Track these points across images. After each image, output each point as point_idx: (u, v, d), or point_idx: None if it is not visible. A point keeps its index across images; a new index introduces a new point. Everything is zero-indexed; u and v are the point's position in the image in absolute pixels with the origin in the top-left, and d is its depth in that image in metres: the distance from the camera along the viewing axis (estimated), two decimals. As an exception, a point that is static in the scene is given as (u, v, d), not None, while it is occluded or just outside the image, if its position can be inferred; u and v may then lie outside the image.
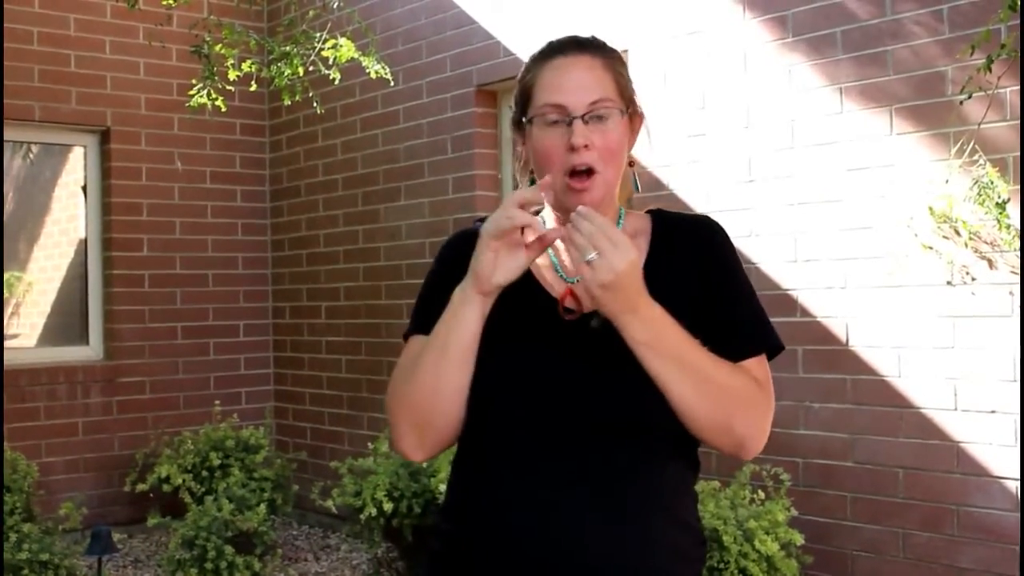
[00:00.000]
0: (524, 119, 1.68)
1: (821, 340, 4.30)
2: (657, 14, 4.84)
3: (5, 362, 5.70)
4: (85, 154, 6.63)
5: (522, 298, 1.65)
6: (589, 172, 1.62)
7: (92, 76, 6.43)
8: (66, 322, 6.73)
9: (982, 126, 3.77)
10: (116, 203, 6.53)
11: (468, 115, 5.73)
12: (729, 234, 1.74)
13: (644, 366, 1.54)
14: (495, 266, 1.56)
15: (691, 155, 4.69)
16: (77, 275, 6.67)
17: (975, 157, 3.76)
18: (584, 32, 1.75)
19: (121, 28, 6.45)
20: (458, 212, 5.67)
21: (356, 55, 4.79)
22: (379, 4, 6.22)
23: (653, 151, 4.67)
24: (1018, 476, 3.75)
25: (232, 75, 4.80)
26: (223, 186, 6.92)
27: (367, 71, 4.87)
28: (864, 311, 4.18)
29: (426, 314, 1.67)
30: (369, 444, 5.37)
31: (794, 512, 4.10)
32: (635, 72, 4.83)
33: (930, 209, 3.91)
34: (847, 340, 4.23)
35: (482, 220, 1.67)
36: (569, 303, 1.64)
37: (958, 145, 3.84)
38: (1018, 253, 3.72)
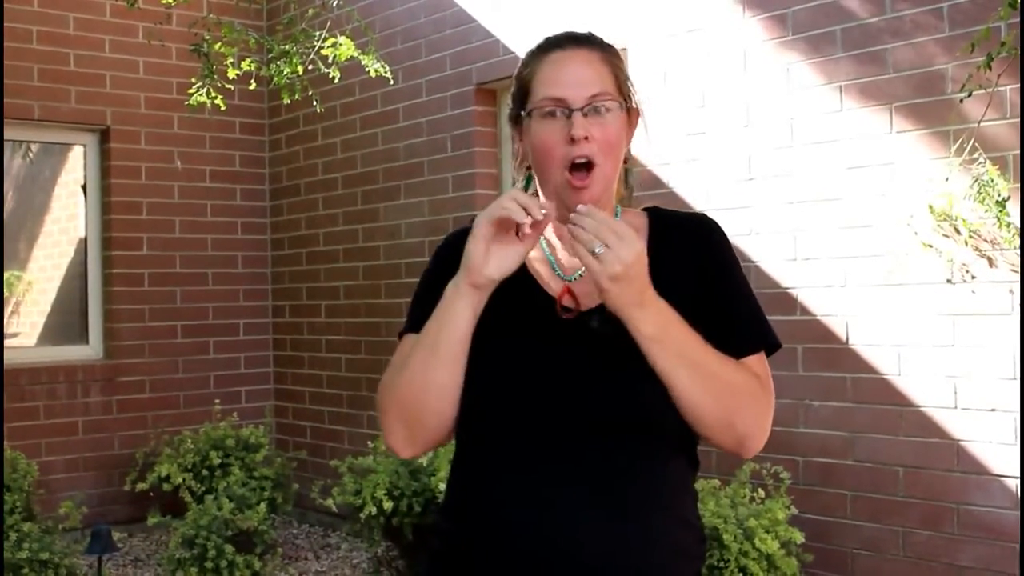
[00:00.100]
0: (522, 113, 1.68)
1: (821, 338, 4.29)
2: (656, 12, 4.84)
3: (5, 361, 5.70)
4: (85, 153, 6.63)
5: (519, 297, 1.64)
6: (589, 167, 1.62)
7: (91, 75, 6.43)
8: (66, 321, 6.72)
9: (982, 124, 3.77)
10: (116, 202, 6.53)
11: (467, 113, 5.73)
12: (728, 232, 1.74)
13: (650, 361, 1.53)
14: (487, 258, 1.56)
15: (691, 153, 4.68)
16: (77, 274, 6.67)
17: (975, 155, 3.76)
18: (583, 30, 1.75)
19: (120, 27, 6.45)
20: (458, 211, 5.67)
21: (355, 54, 4.78)
22: (378, 3, 6.21)
23: (653, 149, 4.68)
24: (1018, 474, 3.75)
25: (231, 74, 4.80)
26: (223, 185, 6.92)
27: (366, 70, 4.86)
28: (864, 309, 4.17)
29: (420, 312, 1.66)
30: (369, 443, 5.37)
31: (794, 510, 4.10)
32: (635, 70, 4.85)
33: (930, 207, 3.91)
34: (847, 338, 4.23)
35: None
36: (567, 302, 1.64)
37: (958, 143, 3.84)
38: (1018, 251, 3.72)
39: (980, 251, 3.85)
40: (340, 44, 4.75)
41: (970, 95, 3.66)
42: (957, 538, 3.93)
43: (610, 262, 1.49)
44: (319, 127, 6.66)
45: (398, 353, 1.68)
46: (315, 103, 5.07)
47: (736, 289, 1.68)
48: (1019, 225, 3.69)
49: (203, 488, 5.71)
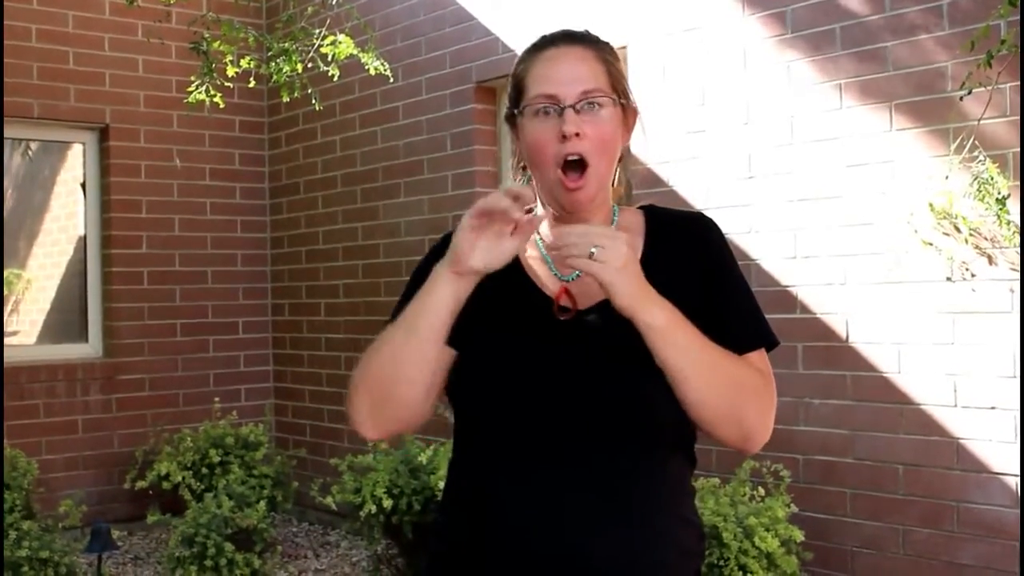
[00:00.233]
0: (516, 112, 1.67)
1: (821, 336, 4.29)
2: (656, 10, 4.83)
3: (5, 359, 5.70)
4: (84, 151, 6.63)
5: (517, 297, 1.64)
6: (582, 166, 1.61)
7: (91, 73, 6.42)
8: (65, 319, 6.72)
9: (982, 122, 3.76)
10: (115, 200, 6.53)
11: (467, 112, 5.73)
12: (728, 230, 1.74)
13: (658, 356, 1.52)
14: (473, 247, 1.54)
15: (690, 151, 4.68)
16: (76, 272, 6.67)
17: (975, 153, 3.76)
18: (580, 28, 1.74)
19: (120, 25, 6.44)
20: (457, 209, 5.66)
21: (355, 52, 4.78)
22: (378, 1, 6.21)
23: (652, 147, 4.68)
24: (1018, 472, 3.75)
25: (231, 72, 4.79)
26: (222, 183, 6.92)
27: (366, 68, 4.86)
28: (864, 307, 4.17)
29: (406, 304, 1.64)
30: (369, 441, 5.37)
31: (794, 508, 4.11)
32: (634, 68, 4.85)
33: (930, 205, 3.91)
34: (847, 336, 4.23)
35: None
36: (564, 301, 1.63)
37: (958, 141, 3.83)
38: (1018, 249, 3.72)
39: (980, 249, 3.85)
40: (339, 42, 4.74)
41: (970, 93, 3.66)
42: (957, 536, 3.93)
43: (611, 256, 1.48)
44: (318, 125, 6.65)
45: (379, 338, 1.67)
46: (314, 101, 5.06)
47: (735, 288, 1.67)
48: (1019, 223, 3.69)
49: (203, 486, 5.71)
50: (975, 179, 3.74)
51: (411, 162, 6.06)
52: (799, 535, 3.95)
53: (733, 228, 4.42)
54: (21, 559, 4.34)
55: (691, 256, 1.67)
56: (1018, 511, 3.74)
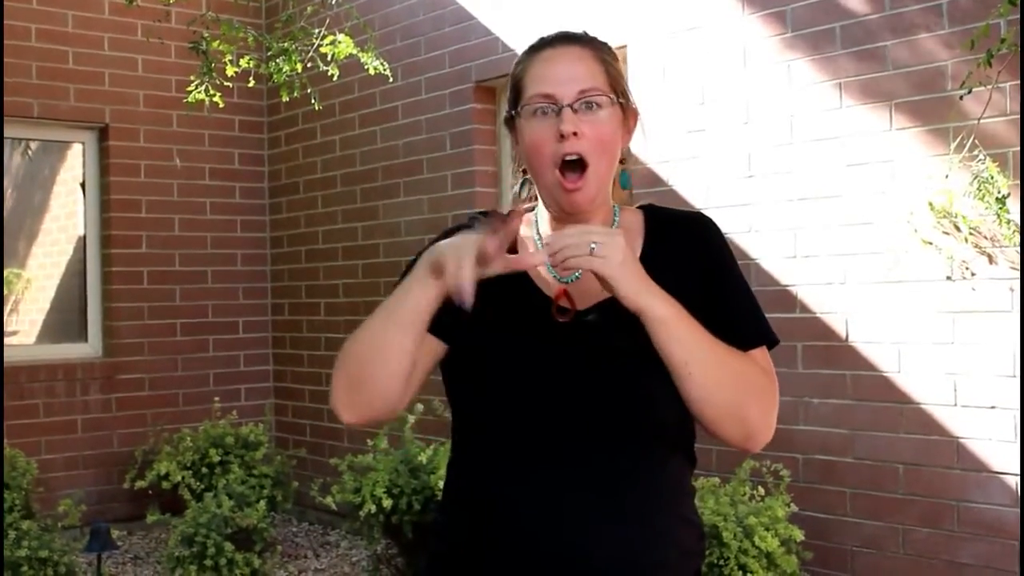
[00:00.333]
0: (514, 113, 1.66)
1: (821, 336, 4.29)
2: (656, 10, 4.83)
3: (5, 359, 5.70)
4: (84, 151, 6.62)
5: (516, 298, 1.63)
6: (581, 166, 1.59)
7: (90, 73, 6.42)
8: (65, 319, 6.72)
9: (982, 121, 3.76)
10: (115, 200, 6.53)
11: (467, 111, 5.72)
12: (727, 230, 1.74)
13: (663, 351, 1.51)
14: (461, 273, 1.48)
15: (690, 151, 4.68)
16: (76, 272, 6.67)
17: (975, 152, 3.76)
18: (582, 28, 1.74)
19: (119, 24, 6.44)
20: (457, 208, 5.66)
21: (354, 51, 4.78)
22: (377, 0, 6.20)
23: (652, 147, 4.67)
24: (1018, 472, 3.75)
25: (230, 71, 4.79)
26: (222, 183, 6.92)
27: (365, 67, 4.86)
28: (864, 307, 4.17)
29: None
30: (369, 441, 5.36)
31: (794, 508, 4.10)
32: (634, 68, 4.85)
33: (930, 204, 3.91)
34: (847, 336, 4.23)
35: (477, 215, 1.65)
36: (563, 303, 1.62)
37: (958, 140, 3.83)
38: (1018, 248, 3.72)
39: (980, 248, 3.84)
40: (339, 42, 4.74)
41: (970, 92, 3.66)
42: (957, 535, 3.92)
43: (610, 251, 1.48)
44: (318, 125, 6.65)
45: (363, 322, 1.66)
46: (314, 101, 5.06)
47: (735, 287, 1.67)
48: (1019, 222, 3.69)
49: (202, 486, 5.70)
50: (975, 178, 3.73)
51: (410, 162, 6.06)
52: (799, 535, 3.95)
53: (733, 227, 4.42)
54: (20, 559, 4.34)
55: (691, 255, 1.66)
56: (1018, 510, 3.74)
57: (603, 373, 1.55)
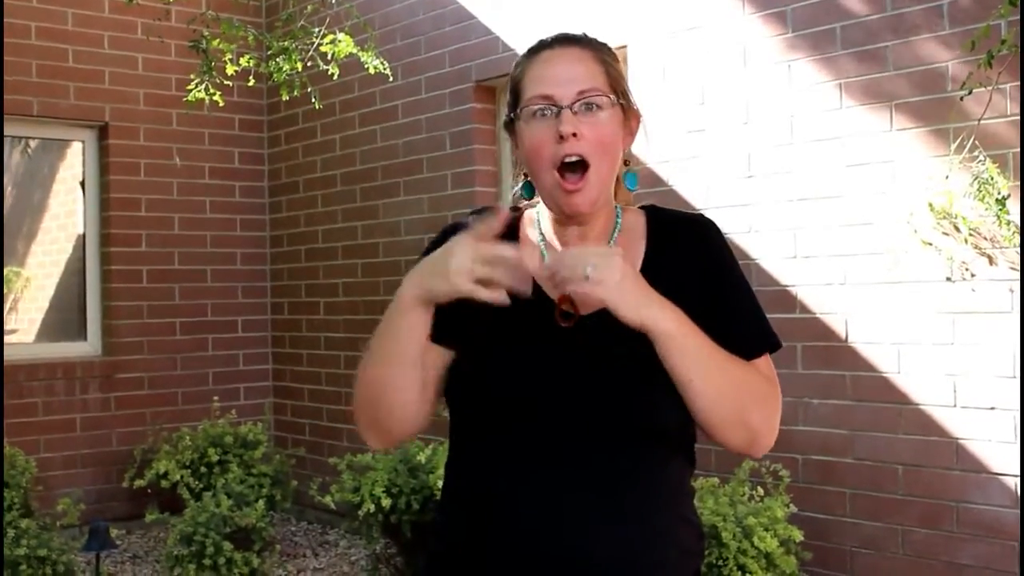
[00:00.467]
0: (513, 116, 1.65)
1: (820, 336, 4.29)
2: (656, 10, 4.83)
3: (4, 358, 5.69)
4: (83, 149, 6.62)
5: (519, 302, 1.60)
6: (582, 167, 1.58)
7: (90, 71, 6.42)
8: (64, 318, 6.72)
9: (982, 122, 3.76)
10: (114, 199, 6.52)
11: (467, 111, 5.72)
12: (727, 230, 1.73)
13: (667, 362, 1.52)
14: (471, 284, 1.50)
15: (690, 151, 4.68)
16: (75, 271, 6.67)
17: (975, 153, 3.75)
18: (582, 28, 1.73)
19: (119, 23, 6.44)
20: (457, 208, 5.66)
21: (354, 50, 4.78)
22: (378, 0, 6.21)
23: (652, 147, 4.67)
24: (1018, 472, 3.75)
25: (230, 70, 4.79)
26: (221, 182, 6.91)
27: (365, 67, 4.85)
28: (863, 307, 4.17)
29: None
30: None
31: (793, 508, 4.10)
32: (634, 68, 4.85)
33: (930, 205, 3.90)
34: (846, 336, 4.23)
35: (476, 212, 1.65)
36: (566, 307, 1.61)
37: (958, 141, 3.83)
38: (1018, 249, 3.71)
39: (980, 249, 3.84)
40: (339, 41, 4.74)
41: (970, 93, 3.66)
42: (956, 536, 3.92)
43: (606, 273, 1.48)
44: (318, 124, 6.65)
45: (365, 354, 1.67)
46: (314, 100, 5.06)
47: (739, 292, 1.67)
48: (1019, 223, 3.69)
49: (201, 485, 5.70)
50: (975, 179, 3.73)
51: (410, 161, 6.06)
52: (798, 535, 3.95)
53: (733, 228, 4.42)
54: (19, 557, 4.33)
55: (693, 258, 1.65)
56: (1017, 511, 3.74)
57: (605, 376, 1.55)
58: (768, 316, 1.69)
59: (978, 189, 3.71)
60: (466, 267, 1.49)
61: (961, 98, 3.72)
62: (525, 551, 1.53)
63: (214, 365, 6.84)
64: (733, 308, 1.64)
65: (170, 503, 5.66)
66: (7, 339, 6.35)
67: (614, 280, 1.48)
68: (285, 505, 6.01)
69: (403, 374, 1.58)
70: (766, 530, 3.87)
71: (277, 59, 4.81)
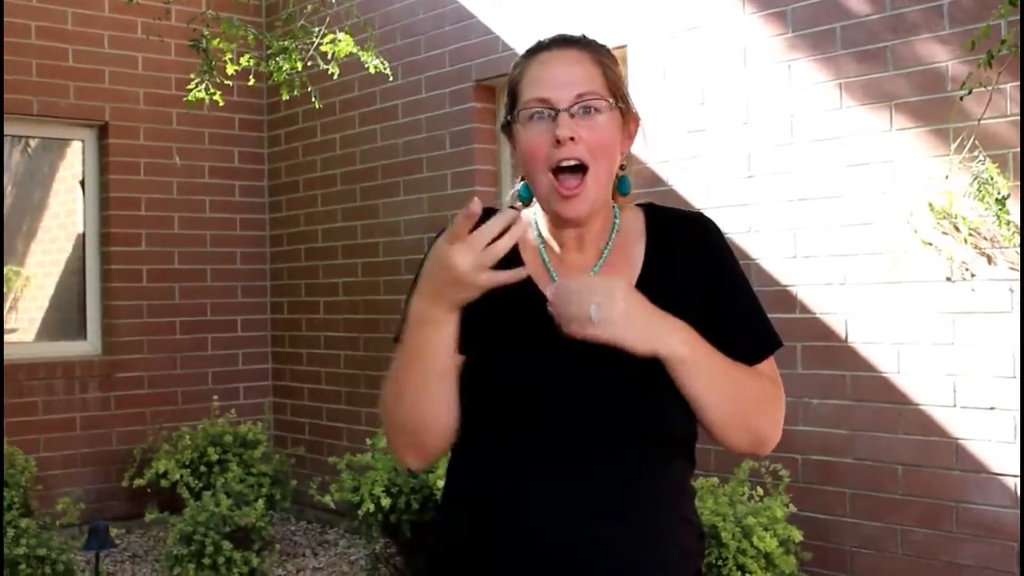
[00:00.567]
0: (510, 118, 1.64)
1: (820, 336, 4.29)
2: (656, 10, 4.83)
3: (4, 357, 5.69)
4: (83, 149, 6.62)
5: (520, 302, 1.61)
6: (581, 171, 1.57)
7: (90, 70, 6.42)
8: (64, 317, 6.72)
9: (982, 122, 3.76)
10: (114, 198, 6.52)
11: (467, 110, 5.72)
12: (727, 230, 1.73)
13: (681, 384, 1.53)
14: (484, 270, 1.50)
15: (690, 151, 4.68)
16: (75, 270, 6.67)
17: (975, 153, 3.75)
18: (582, 27, 1.72)
19: (119, 22, 6.44)
20: (456, 207, 5.66)
21: (354, 50, 4.77)
22: (378, -1, 6.21)
23: (652, 147, 4.67)
24: (1017, 473, 3.75)
25: (230, 70, 4.79)
26: (221, 181, 6.91)
27: (365, 66, 4.85)
28: (863, 307, 4.17)
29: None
30: (367, 440, 5.37)
31: (793, 508, 4.10)
32: (634, 68, 4.84)
33: (930, 205, 3.90)
34: (846, 336, 4.23)
35: (487, 211, 1.64)
36: None
37: (958, 141, 3.83)
38: (1018, 249, 3.71)
39: (980, 249, 3.84)
40: (339, 40, 4.74)
41: (970, 93, 3.66)
42: (956, 536, 3.92)
43: (610, 311, 1.48)
44: (318, 123, 6.65)
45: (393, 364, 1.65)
46: (314, 99, 5.06)
47: (740, 292, 1.66)
48: (1019, 223, 3.69)
49: (201, 484, 5.70)
50: (975, 179, 3.73)
51: (410, 160, 6.06)
52: (798, 535, 3.95)
53: (733, 228, 4.42)
54: (19, 556, 4.34)
55: (692, 258, 1.65)
56: (1017, 511, 3.74)
57: (606, 377, 1.55)
58: (768, 316, 1.68)
59: (978, 189, 3.71)
60: (476, 262, 1.47)
61: (961, 98, 3.72)
62: (525, 551, 1.52)
63: (214, 364, 6.84)
64: (734, 308, 1.64)
65: (170, 502, 5.66)
66: (7, 338, 6.35)
67: (617, 311, 1.48)
68: (285, 504, 6.01)
69: (440, 389, 1.57)
70: (766, 530, 3.87)
71: (277, 58, 4.81)
